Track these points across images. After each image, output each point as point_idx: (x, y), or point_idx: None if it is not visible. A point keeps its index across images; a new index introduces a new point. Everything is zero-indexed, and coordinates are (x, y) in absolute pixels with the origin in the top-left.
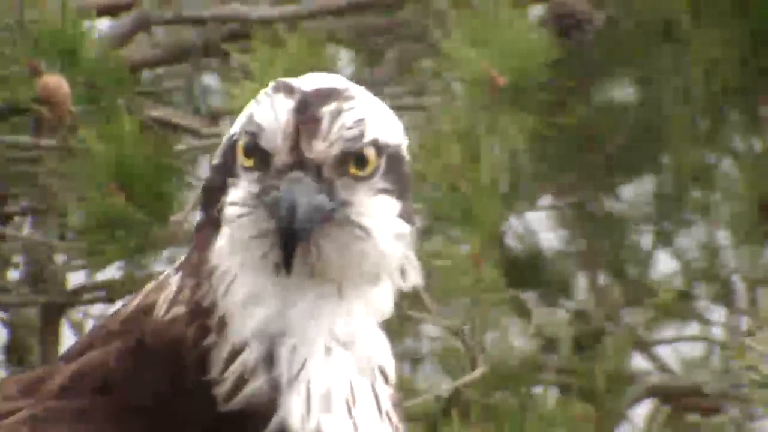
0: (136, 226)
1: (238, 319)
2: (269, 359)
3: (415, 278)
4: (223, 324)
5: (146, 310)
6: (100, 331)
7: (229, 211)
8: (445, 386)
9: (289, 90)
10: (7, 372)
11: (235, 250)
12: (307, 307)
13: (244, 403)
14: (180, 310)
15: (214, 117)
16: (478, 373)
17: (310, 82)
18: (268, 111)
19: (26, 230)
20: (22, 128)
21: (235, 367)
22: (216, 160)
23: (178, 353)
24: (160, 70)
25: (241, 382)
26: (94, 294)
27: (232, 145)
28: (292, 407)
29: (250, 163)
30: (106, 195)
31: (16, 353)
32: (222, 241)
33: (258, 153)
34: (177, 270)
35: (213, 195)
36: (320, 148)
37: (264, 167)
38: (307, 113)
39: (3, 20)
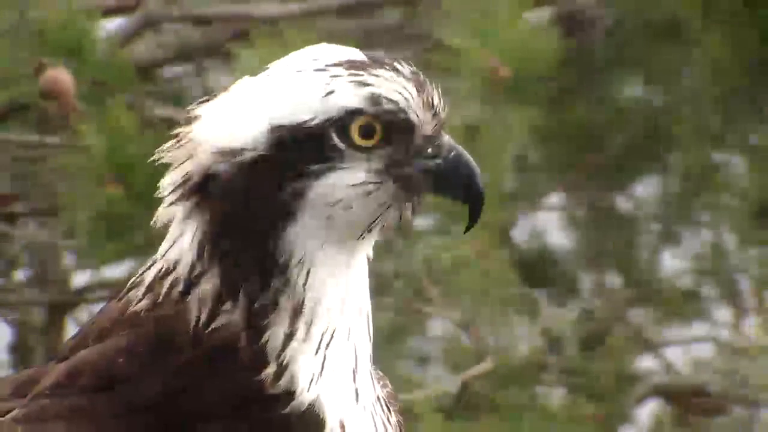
0: (136, 221)
1: (318, 301)
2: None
3: None
4: (298, 312)
5: (146, 308)
6: (91, 329)
7: (348, 193)
8: (452, 382)
9: (394, 66)
10: (13, 371)
11: (333, 230)
12: (359, 273)
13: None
14: (225, 319)
15: None
16: (484, 366)
17: (379, 55)
18: (404, 87)
19: (31, 230)
20: (27, 128)
21: (288, 350)
22: (257, 158)
23: (227, 357)
24: (172, 70)
25: (290, 361)
26: (98, 293)
27: (311, 134)
28: (301, 373)
29: (370, 142)
30: (104, 188)
31: (21, 353)
32: (305, 228)
33: (388, 129)
34: (192, 279)
35: (268, 190)
36: (446, 114)
37: (395, 141)
38: (428, 84)
39: (7, 19)
